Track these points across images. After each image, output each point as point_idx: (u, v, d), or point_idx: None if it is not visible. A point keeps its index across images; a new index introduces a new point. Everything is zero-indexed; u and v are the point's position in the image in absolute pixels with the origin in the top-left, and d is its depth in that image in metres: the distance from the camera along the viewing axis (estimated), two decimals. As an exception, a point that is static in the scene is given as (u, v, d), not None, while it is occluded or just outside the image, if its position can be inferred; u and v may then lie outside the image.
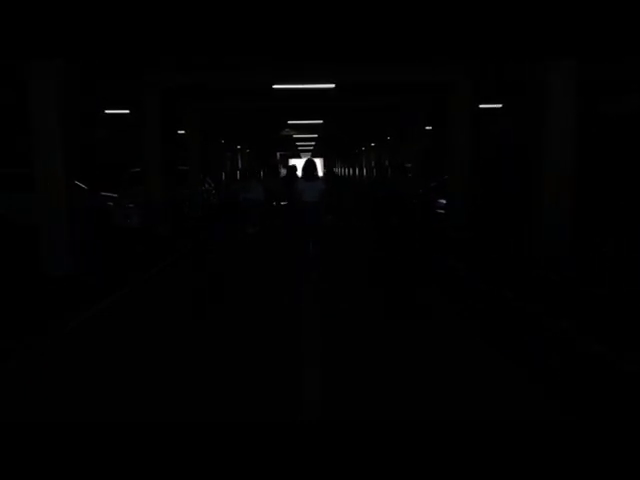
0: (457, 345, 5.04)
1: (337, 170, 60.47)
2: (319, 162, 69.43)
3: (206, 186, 17.59)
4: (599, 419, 3.61)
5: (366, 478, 3.00)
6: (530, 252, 8.15)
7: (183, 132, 17.51)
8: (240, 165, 30.79)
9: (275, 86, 11.79)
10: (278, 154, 52.05)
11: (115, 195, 11.49)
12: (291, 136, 29.97)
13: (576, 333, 5.16)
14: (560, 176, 7.67)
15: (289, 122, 21.97)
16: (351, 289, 7.36)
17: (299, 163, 16.47)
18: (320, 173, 10.13)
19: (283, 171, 27.41)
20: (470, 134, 11.30)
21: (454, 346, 5.01)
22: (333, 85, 11.79)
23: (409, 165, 20.64)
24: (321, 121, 21.62)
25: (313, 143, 38.90)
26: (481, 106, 14.72)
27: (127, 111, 15.13)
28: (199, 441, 3.34)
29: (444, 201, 12.74)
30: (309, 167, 8.53)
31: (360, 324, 5.73)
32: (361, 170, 40.59)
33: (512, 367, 4.50)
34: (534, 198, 8.03)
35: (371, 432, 3.44)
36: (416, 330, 5.47)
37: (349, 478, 3.01)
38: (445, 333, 5.41)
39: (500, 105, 15.61)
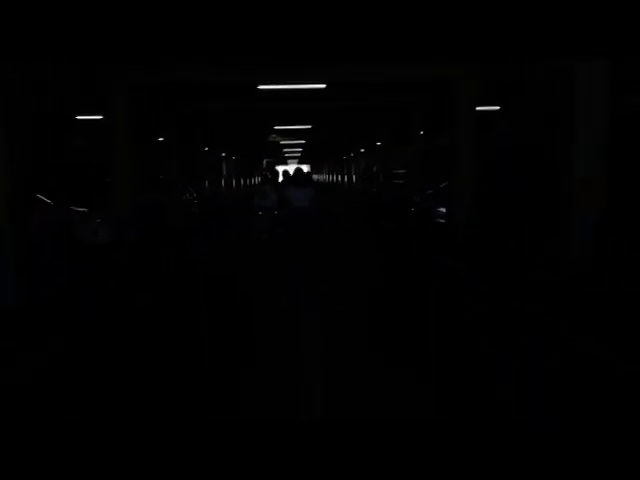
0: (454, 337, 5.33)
1: (324, 177, 60.03)
2: (305, 169, 69.60)
3: (187, 195, 16.71)
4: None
5: (365, 477, 3.09)
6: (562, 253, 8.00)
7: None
8: (225, 173, 29.91)
9: (261, 87, 10.94)
10: (265, 161, 51.52)
11: (85, 209, 10.61)
12: (278, 142, 29.43)
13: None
14: (593, 177, 7.57)
15: (276, 127, 21.25)
16: (349, 290, 7.53)
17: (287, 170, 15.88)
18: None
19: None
20: (476, 135, 11.05)
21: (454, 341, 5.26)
22: (324, 85, 10.98)
23: (402, 171, 20.08)
24: (309, 126, 20.92)
25: (300, 149, 38.37)
26: (478, 108, 14.09)
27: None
28: (200, 441, 3.42)
29: (444, 210, 12.06)
30: (297, 175, 9.38)
31: (358, 325, 5.91)
32: (350, 177, 39.98)
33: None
34: (565, 199, 7.89)
35: (371, 432, 3.52)
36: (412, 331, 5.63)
37: (348, 477, 3.09)
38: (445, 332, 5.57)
39: (497, 107, 15.06)
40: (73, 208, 10.70)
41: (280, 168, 13.79)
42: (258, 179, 42.44)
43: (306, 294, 7.21)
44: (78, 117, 14.81)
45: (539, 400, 3.92)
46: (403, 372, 4.52)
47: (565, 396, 4.01)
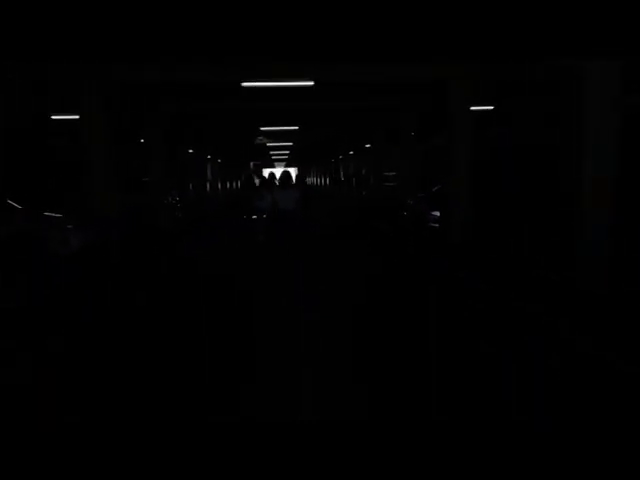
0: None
1: (312, 180, 60.08)
2: (292, 172, 69.81)
3: (170, 199, 16.59)
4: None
5: (363, 477, 3.15)
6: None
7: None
8: (210, 176, 29.77)
9: (245, 84, 10.88)
10: (252, 164, 51.46)
11: (59, 215, 10.30)
12: (265, 145, 29.35)
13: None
14: (606, 178, 7.63)
15: (262, 129, 21.19)
16: (346, 290, 7.68)
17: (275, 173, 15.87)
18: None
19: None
20: (472, 135, 11.02)
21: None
22: (312, 83, 10.95)
23: (392, 173, 20.10)
24: (296, 127, 20.88)
25: (288, 152, 38.32)
26: (474, 108, 14.12)
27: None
28: (199, 441, 3.49)
29: (437, 213, 12.07)
30: (284, 177, 9.87)
31: (357, 326, 6.03)
32: (339, 180, 39.96)
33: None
34: (571, 200, 7.94)
35: (370, 432, 3.59)
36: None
37: (346, 477, 3.15)
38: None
39: (492, 107, 15.11)
40: (46, 214, 10.34)
41: (267, 172, 13.88)
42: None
43: (305, 294, 7.35)
44: (54, 117, 14.67)
45: (539, 400, 3.93)
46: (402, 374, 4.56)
47: (565, 396, 4.03)
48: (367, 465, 3.24)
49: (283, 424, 3.75)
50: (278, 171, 11.85)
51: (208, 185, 28.29)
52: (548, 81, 11.21)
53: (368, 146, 26.02)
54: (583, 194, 7.62)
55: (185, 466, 3.22)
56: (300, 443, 3.49)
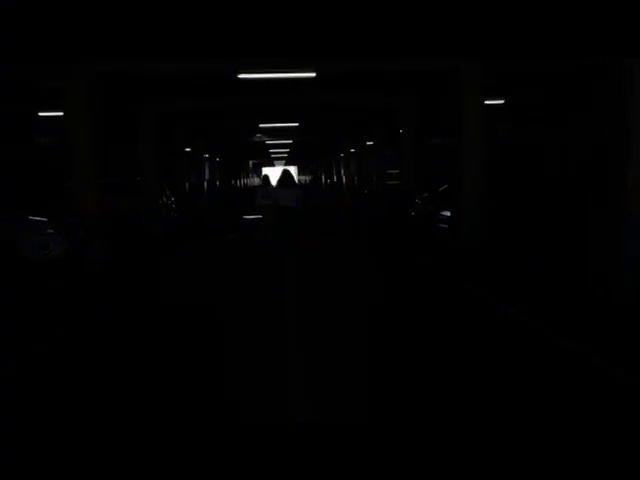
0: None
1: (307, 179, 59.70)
2: (293, 170, 69.92)
3: (164, 199, 15.82)
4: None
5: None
6: None
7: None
8: (207, 176, 28.97)
9: (242, 76, 10.08)
10: (251, 162, 50.88)
11: (43, 219, 9.62)
12: (264, 142, 28.67)
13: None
14: None
15: (261, 125, 20.44)
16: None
17: (273, 171, 15.28)
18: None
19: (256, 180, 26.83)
20: (484, 130, 10.26)
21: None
22: (313, 74, 10.14)
23: (396, 171, 19.32)
24: (296, 124, 20.12)
25: (287, 150, 37.71)
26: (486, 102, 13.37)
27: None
28: (198, 441, 3.42)
29: (448, 213, 11.28)
30: (284, 175, 10.30)
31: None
32: (340, 179, 39.31)
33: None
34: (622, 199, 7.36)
35: (360, 436, 3.49)
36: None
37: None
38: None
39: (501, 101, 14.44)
40: (30, 217, 9.65)
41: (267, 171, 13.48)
42: (244, 181, 42.01)
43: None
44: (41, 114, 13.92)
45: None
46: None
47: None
48: (359, 468, 3.12)
49: (275, 426, 3.59)
50: (276, 170, 11.37)
51: (205, 184, 27.55)
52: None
53: (370, 143, 25.28)
54: (628, 193, 7.03)
55: (182, 466, 3.12)
56: (289, 447, 3.35)
